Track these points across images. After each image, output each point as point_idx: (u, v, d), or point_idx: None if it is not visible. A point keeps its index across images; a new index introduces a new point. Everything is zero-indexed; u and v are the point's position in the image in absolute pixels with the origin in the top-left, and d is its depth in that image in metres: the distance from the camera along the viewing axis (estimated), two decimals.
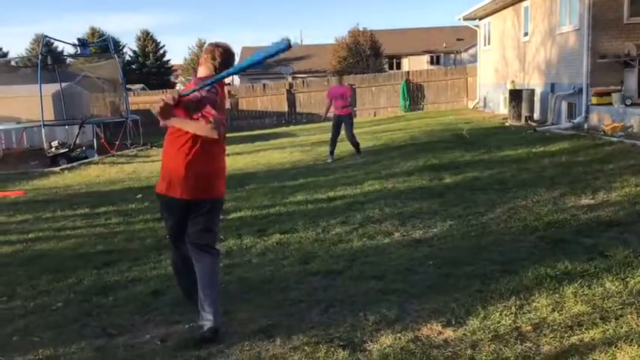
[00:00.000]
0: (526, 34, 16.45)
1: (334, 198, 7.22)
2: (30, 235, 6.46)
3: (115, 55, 19.86)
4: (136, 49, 46.46)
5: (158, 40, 47.07)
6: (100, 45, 25.91)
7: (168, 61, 48.29)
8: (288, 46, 2.95)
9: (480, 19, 21.09)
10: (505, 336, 3.11)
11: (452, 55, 42.42)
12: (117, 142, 16.99)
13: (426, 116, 20.95)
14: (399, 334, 3.22)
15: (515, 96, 15.31)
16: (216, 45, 3.61)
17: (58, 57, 26.04)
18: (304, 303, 3.82)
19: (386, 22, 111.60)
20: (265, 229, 5.87)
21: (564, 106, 13.81)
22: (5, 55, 43.65)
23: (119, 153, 16.12)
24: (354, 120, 11.64)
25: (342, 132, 10.88)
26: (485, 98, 21.52)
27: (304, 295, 3.97)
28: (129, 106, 19.42)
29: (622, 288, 3.59)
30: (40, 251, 5.79)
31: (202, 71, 3.59)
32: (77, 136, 15.48)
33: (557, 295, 3.57)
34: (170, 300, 4.07)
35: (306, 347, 3.16)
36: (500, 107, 18.69)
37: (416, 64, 39.26)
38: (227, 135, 3.77)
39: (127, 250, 5.56)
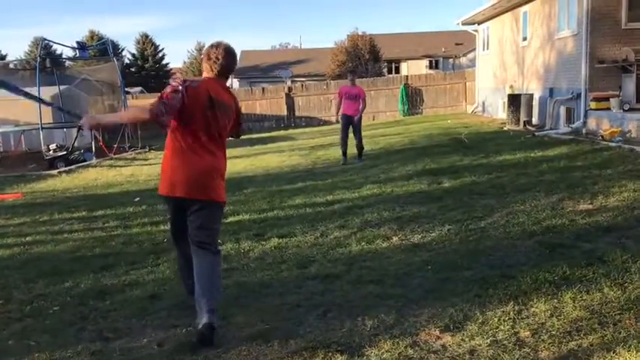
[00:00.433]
0: (525, 38, 16.49)
1: (333, 202, 7.21)
2: (27, 238, 6.45)
3: (114, 58, 19.85)
4: (135, 52, 46.49)
5: (157, 44, 47.14)
6: (98, 48, 25.92)
7: (167, 64, 48.34)
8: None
9: (479, 23, 21.15)
10: (503, 341, 3.10)
11: (451, 60, 42.53)
12: (115, 145, 16.98)
13: (424, 120, 20.97)
14: (397, 339, 3.21)
15: (514, 101, 15.34)
16: (216, 45, 3.62)
17: (56, 60, 26.01)
18: (302, 307, 3.81)
19: (385, 26, 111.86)
20: (263, 233, 5.85)
21: (563, 110, 13.83)
22: (4, 57, 43.62)
23: (117, 156, 16.11)
24: None
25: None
26: (483, 103, 21.55)
27: (302, 299, 3.96)
28: (128, 110, 19.40)
29: (620, 293, 3.58)
30: (37, 254, 5.77)
31: (204, 71, 3.67)
32: (75, 139, 15.47)
33: (555, 300, 3.56)
34: (167, 304, 4.06)
35: (303, 352, 3.15)
36: (499, 112, 18.71)
37: (415, 69, 39.32)
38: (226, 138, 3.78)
39: (125, 253, 5.54)
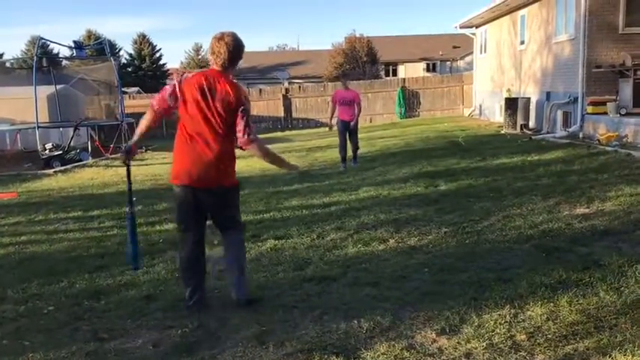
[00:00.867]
0: (522, 42, 16.53)
1: (329, 204, 7.20)
2: (22, 238, 6.41)
3: (111, 58, 19.81)
4: (132, 52, 46.41)
5: (154, 44, 47.05)
6: (96, 47, 25.88)
7: (165, 64, 48.25)
8: None
9: (477, 27, 21.20)
10: (499, 344, 3.10)
11: (448, 63, 42.59)
12: (111, 145, 16.94)
13: (421, 123, 21.00)
14: (393, 342, 3.20)
15: (511, 104, 15.37)
16: (218, 38, 3.66)
17: (53, 59, 25.95)
18: (298, 309, 3.79)
19: (382, 29, 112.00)
20: (259, 235, 5.84)
21: (560, 114, 13.86)
22: (0, 56, 43.49)
23: (113, 156, 16.06)
24: None
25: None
26: (481, 106, 21.59)
27: (298, 301, 3.95)
28: (124, 109, 19.38)
29: (616, 297, 3.58)
30: (31, 254, 5.74)
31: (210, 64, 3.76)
32: (71, 138, 15.44)
33: (551, 304, 3.56)
34: (163, 305, 4.04)
35: (299, 354, 3.14)
36: (496, 115, 18.74)
37: (412, 71, 39.37)
38: None
39: (120, 253, 5.50)
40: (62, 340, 3.55)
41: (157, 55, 47.06)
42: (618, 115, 11.26)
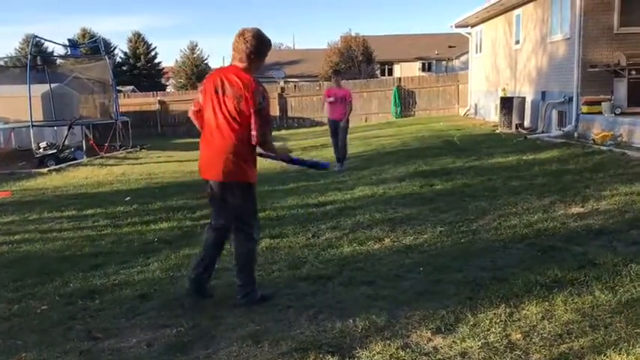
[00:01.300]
0: (518, 42, 16.55)
1: (325, 203, 7.19)
2: (16, 237, 6.38)
3: (106, 57, 19.75)
4: (127, 50, 46.27)
5: (149, 42, 46.93)
6: (90, 46, 25.77)
7: (160, 63, 48.14)
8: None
9: (472, 26, 21.21)
10: (495, 344, 3.10)
11: (443, 62, 42.64)
12: (106, 144, 16.88)
13: (417, 122, 21.00)
14: (388, 341, 3.19)
15: (506, 103, 15.40)
16: (240, 33, 3.71)
17: (47, 57, 25.84)
18: (293, 308, 3.78)
19: (378, 28, 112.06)
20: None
21: (555, 114, 13.89)
22: None
23: (108, 155, 16.02)
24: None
25: None
26: (476, 105, 21.62)
27: (293, 300, 3.94)
28: (119, 108, 19.32)
29: (611, 297, 3.58)
30: (25, 253, 5.72)
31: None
32: (66, 137, 15.37)
33: (547, 303, 3.56)
34: (157, 304, 4.02)
35: (294, 353, 3.13)
36: (491, 114, 18.77)
37: (407, 71, 39.39)
38: None
39: (114, 253, 5.50)
40: (56, 340, 3.52)
41: (152, 53, 46.94)
42: (613, 115, 11.29)
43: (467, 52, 26.30)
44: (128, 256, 5.31)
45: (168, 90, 41.52)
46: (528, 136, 13.02)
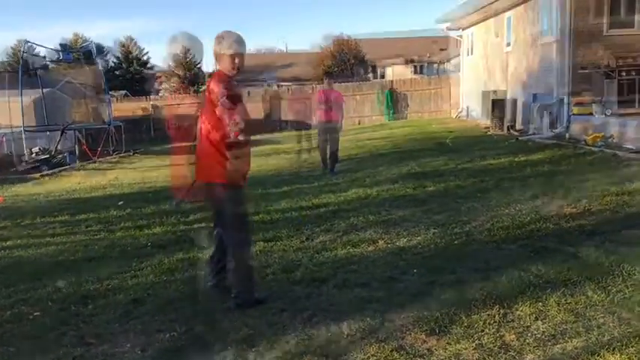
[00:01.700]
0: (509, 44, 16.63)
1: (318, 206, 7.19)
2: (8, 242, 6.34)
3: (98, 61, 19.68)
4: (120, 55, 46.11)
5: (142, 47, 46.79)
6: (82, 51, 25.66)
7: (152, 67, 47.97)
8: None
9: (464, 29, 21.30)
10: (489, 345, 3.11)
11: (435, 65, 42.75)
12: (99, 149, 16.82)
13: (409, 125, 21.06)
14: (382, 343, 3.19)
15: (498, 105, 15.47)
16: (221, 36, 3.75)
17: (39, 62, 25.70)
18: (287, 312, 3.78)
19: (369, 30, 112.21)
20: None
21: (546, 115, 13.95)
22: None
23: (101, 160, 15.96)
24: None
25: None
26: (467, 107, 21.69)
27: (287, 303, 3.93)
28: (111, 113, 19.25)
29: (604, 297, 3.60)
30: (18, 258, 5.68)
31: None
32: (58, 142, 15.30)
33: (540, 303, 3.58)
34: (151, 308, 4.01)
35: (289, 357, 3.12)
36: (483, 116, 18.82)
37: (399, 73, 39.47)
38: None
39: (108, 257, 5.48)
40: (48, 346, 3.50)
41: (145, 57, 46.80)
42: (604, 116, 11.37)
43: (458, 55, 26.39)
44: (121, 261, 5.29)
45: (161, 94, 41.39)
46: (520, 138, 13.08)
